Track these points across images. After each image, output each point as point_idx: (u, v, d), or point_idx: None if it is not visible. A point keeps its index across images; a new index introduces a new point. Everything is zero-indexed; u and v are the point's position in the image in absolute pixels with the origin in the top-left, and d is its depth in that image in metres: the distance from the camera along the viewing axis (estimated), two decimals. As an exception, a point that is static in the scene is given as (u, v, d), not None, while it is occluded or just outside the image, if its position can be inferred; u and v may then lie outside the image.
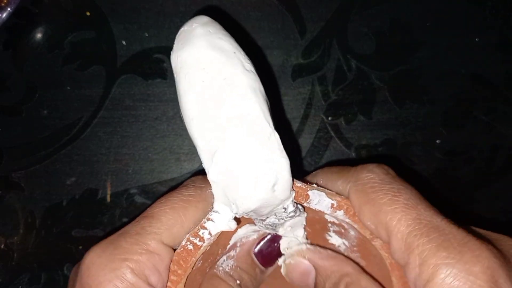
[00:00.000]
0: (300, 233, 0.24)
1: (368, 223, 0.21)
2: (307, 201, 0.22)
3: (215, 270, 0.23)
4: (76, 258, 0.34)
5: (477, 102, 0.37)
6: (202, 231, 0.22)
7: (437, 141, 0.36)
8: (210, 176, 0.20)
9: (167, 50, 0.36)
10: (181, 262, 0.21)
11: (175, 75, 0.21)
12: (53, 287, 0.35)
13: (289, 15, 0.36)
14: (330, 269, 0.23)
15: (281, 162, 0.20)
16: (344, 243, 0.25)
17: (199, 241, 0.22)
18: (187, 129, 0.21)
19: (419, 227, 0.19)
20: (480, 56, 0.37)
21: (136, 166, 0.36)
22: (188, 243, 0.22)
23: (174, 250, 0.22)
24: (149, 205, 0.22)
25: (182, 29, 0.21)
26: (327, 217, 0.25)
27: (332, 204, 0.22)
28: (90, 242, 0.34)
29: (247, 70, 0.20)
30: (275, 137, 0.20)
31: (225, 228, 0.22)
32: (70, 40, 0.36)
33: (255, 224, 0.24)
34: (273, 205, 0.21)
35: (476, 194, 0.36)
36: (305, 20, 0.36)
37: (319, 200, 0.22)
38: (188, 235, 0.22)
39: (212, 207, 0.22)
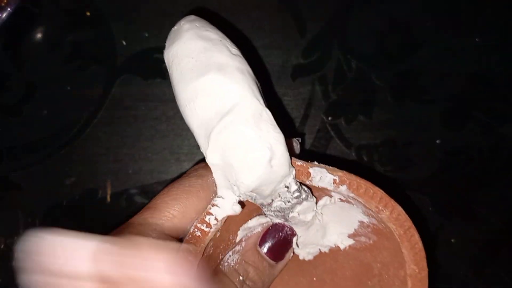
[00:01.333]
0: (309, 217, 0.24)
1: None
2: (309, 179, 0.22)
3: (220, 266, 0.23)
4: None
5: (477, 102, 0.36)
6: (208, 217, 0.22)
7: (437, 141, 0.36)
8: (208, 159, 0.21)
9: (167, 50, 0.36)
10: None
11: (169, 70, 0.22)
12: (53, 287, 0.35)
13: (289, 15, 0.36)
14: None
15: (275, 137, 0.20)
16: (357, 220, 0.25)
17: (206, 227, 0.22)
18: (184, 118, 0.21)
19: None
20: (480, 56, 0.37)
21: (136, 166, 0.35)
22: (196, 229, 0.22)
23: (179, 239, 0.22)
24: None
25: (172, 29, 0.23)
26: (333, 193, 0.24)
27: (335, 180, 0.22)
28: (90, 242, 0.34)
29: (233, 54, 0.21)
30: (267, 113, 0.20)
31: (230, 212, 0.22)
32: (70, 40, 0.36)
33: (265, 216, 0.24)
34: (274, 182, 0.21)
35: (476, 194, 0.36)
36: (305, 20, 0.36)
37: (321, 177, 0.22)
38: (195, 221, 0.22)
39: (216, 193, 0.22)
